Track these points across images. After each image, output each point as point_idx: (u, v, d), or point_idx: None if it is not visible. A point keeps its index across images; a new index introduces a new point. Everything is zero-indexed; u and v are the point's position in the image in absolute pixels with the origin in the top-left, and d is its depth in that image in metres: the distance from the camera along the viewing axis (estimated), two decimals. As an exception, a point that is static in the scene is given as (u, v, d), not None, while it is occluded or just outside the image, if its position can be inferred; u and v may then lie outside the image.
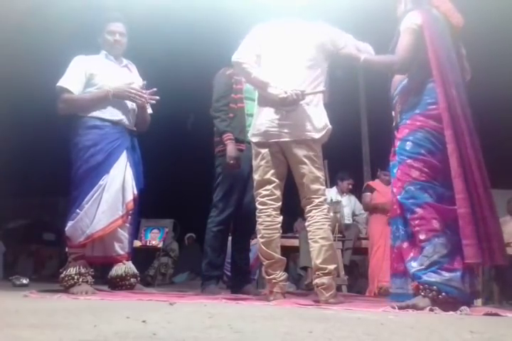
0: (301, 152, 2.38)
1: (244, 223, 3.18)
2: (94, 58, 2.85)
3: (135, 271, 2.83)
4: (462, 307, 1.89)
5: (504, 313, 1.93)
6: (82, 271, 2.55)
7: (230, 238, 3.35)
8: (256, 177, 2.48)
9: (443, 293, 1.93)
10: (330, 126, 2.44)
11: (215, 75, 3.24)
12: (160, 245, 5.62)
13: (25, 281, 3.49)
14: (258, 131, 2.45)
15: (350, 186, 4.98)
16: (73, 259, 2.59)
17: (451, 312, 1.86)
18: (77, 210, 2.57)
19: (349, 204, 4.96)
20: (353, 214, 5.04)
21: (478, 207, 1.99)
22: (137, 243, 5.42)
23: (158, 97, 2.80)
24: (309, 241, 2.38)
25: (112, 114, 2.72)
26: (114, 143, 2.68)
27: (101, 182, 2.62)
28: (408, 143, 2.18)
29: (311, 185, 2.39)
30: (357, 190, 5.09)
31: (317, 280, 2.29)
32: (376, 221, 4.45)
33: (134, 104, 2.82)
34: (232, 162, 2.95)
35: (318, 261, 2.30)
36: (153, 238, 5.62)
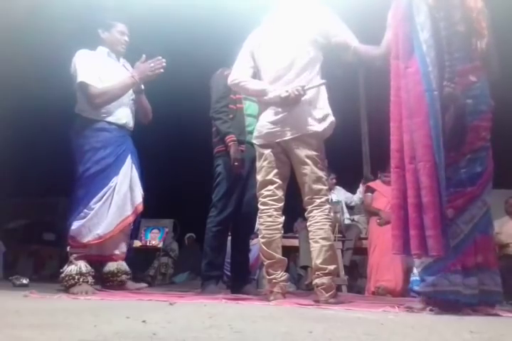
0: (303, 152, 2.39)
1: (243, 223, 3.18)
2: (97, 54, 2.84)
3: (127, 268, 2.86)
4: (462, 308, 1.89)
5: (504, 313, 1.93)
6: (83, 270, 2.55)
7: (229, 238, 3.35)
8: (259, 177, 2.50)
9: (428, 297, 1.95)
10: (333, 119, 2.44)
11: (213, 76, 3.24)
12: (160, 245, 5.63)
13: (25, 281, 3.48)
14: (260, 133, 2.49)
15: (335, 180, 4.98)
16: (74, 259, 2.60)
17: (450, 312, 1.86)
18: (85, 210, 2.57)
19: (341, 198, 4.95)
20: (349, 207, 5.03)
21: (408, 195, 1.94)
22: (137, 243, 5.43)
23: (164, 60, 2.77)
24: (310, 241, 2.38)
25: (117, 117, 2.75)
26: (121, 147, 2.73)
27: (111, 184, 2.64)
28: None
29: (313, 185, 2.39)
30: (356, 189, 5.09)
31: (317, 280, 2.29)
32: (376, 219, 4.46)
33: (133, 101, 2.85)
34: (237, 163, 2.96)
35: (318, 261, 2.30)
36: (153, 238, 5.63)
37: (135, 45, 2.96)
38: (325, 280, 2.27)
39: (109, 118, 2.71)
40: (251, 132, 3.16)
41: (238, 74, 2.53)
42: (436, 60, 2.00)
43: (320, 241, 2.32)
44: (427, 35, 2.03)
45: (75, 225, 2.57)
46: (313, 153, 2.40)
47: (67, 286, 2.52)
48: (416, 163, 1.92)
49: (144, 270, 5.60)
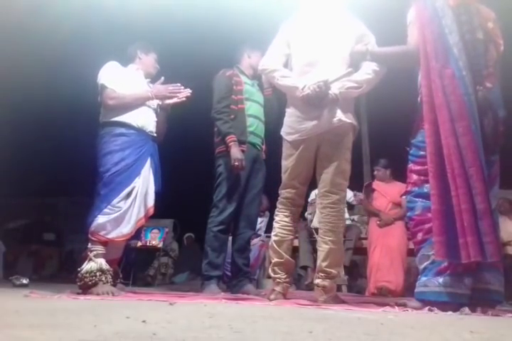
0: (336, 142, 2.33)
1: (244, 223, 3.19)
2: (127, 69, 2.92)
3: (117, 271, 2.84)
4: (462, 308, 1.89)
5: (504, 313, 1.93)
6: (104, 268, 2.49)
7: (230, 238, 3.35)
8: (283, 177, 2.46)
9: (421, 298, 1.98)
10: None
11: (215, 77, 3.25)
12: (160, 245, 5.62)
13: (25, 281, 3.48)
14: (294, 128, 2.38)
15: None
16: (94, 256, 2.53)
17: (450, 312, 1.86)
18: (109, 206, 2.57)
19: None
20: (349, 207, 5.00)
21: (456, 200, 1.89)
22: (137, 243, 5.42)
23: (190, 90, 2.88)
24: (319, 239, 2.36)
25: (135, 120, 2.76)
26: (140, 149, 2.73)
27: (134, 184, 2.65)
28: (413, 147, 2.17)
29: (334, 178, 2.33)
30: (356, 189, 5.08)
31: (318, 281, 2.29)
32: (375, 221, 4.45)
33: (155, 113, 2.89)
34: (237, 164, 2.97)
35: (324, 264, 2.29)
36: (153, 238, 5.62)
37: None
38: (327, 282, 2.26)
39: (127, 121, 2.73)
40: (252, 132, 3.17)
41: (270, 60, 2.45)
42: (468, 64, 2.01)
43: (329, 243, 2.30)
44: (456, 38, 2.03)
45: (101, 219, 2.54)
46: (345, 145, 2.35)
47: (89, 285, 2.45)
48: (467, 168, 1.89)
49: (144, 270, 5.60)
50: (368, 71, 2.33)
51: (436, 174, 1.96)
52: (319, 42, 2.39)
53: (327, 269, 2.27)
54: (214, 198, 3.14)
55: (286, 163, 2.44)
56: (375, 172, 4.66)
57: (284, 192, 2.46)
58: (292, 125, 2.39)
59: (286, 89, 2.43)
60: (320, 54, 2.37)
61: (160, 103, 2.92)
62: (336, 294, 2.34)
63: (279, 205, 2.47)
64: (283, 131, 2.46)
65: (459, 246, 1.87)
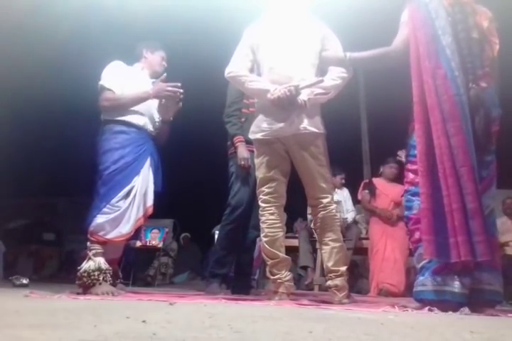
0: (304, 149, 2.35)
1: (253, 223, 3.20)
2: (131, 68, 2.90)
3: (117, 271, 2.82)
4: (462, 308, 1.89)
5: (504, 313, 1.93)
6: (103, 267, 2.48)
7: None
8: (259, 174, 2.45)
9: (419, 297, 1.99)
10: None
11: (229, 84, 3.29)
12: (160, 245, 5.63)
13: (25, 281, 3.48)
14: (258, 127, 2.41)
15: (343, 181, 4.94)
16: (93, 255, 2.52)
17: (450, 312, 1.86)
18: (108, 206, 2.56)
19: (343, 199, 4.93)
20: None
21: (447, 200, 1.90)
22: (137, 243, 5.43)
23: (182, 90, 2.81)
24: (320, 243, 2.40)
25: (136, 118, 2.75)
26: (140, 148, 2.72)
27: (133, 184, 2.64)
28: (409, 147, 2.17)
29: (316, 184, 2.36)
30: (356, 189, 5.06)
31: (330, 282, 2.31)
32: (376, 221, 4.44)
33: (157, 113, 2.86)
34: (243, 163, 3.04)
35: (329, 264, 2.32)
36: (153, 238, 5.63)
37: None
38: (338, 281, 2.29)
39: (128, 120, 2.72)
40: None
41: (235, 66, 2.45)
42: (461, 64, 2.01)
43: (330, 243, 2.34)
44: (449, 39, 2.04)
45: (100, 219, 2.53)
46: (315, 150, 2.35)
47: (87, 284, 2.44)
48: (458, 168, 1.90)
49: (144, 270, 5.60)
50: (334, 77, 2.37)
51: (426, 173, 1.97)
52: (284, 46, 2.40)
53: (334, 268, 2.30)
54: (229, 198, 3.20)
55: (259, 160, 2.45)
56: (388, 170, 4.52)
57: (264, 189, 2.43)
58: (257, 123, 2.42)
59: (257, 92, 2.43)
60: (286, 58, 2.38)
61: (160, 114, 2.85)
62: (349, 293, 2.35)
63: (261, 204, 2.44)
64: (250, 131, 2.49)
65: (449, 245, 1.88)
